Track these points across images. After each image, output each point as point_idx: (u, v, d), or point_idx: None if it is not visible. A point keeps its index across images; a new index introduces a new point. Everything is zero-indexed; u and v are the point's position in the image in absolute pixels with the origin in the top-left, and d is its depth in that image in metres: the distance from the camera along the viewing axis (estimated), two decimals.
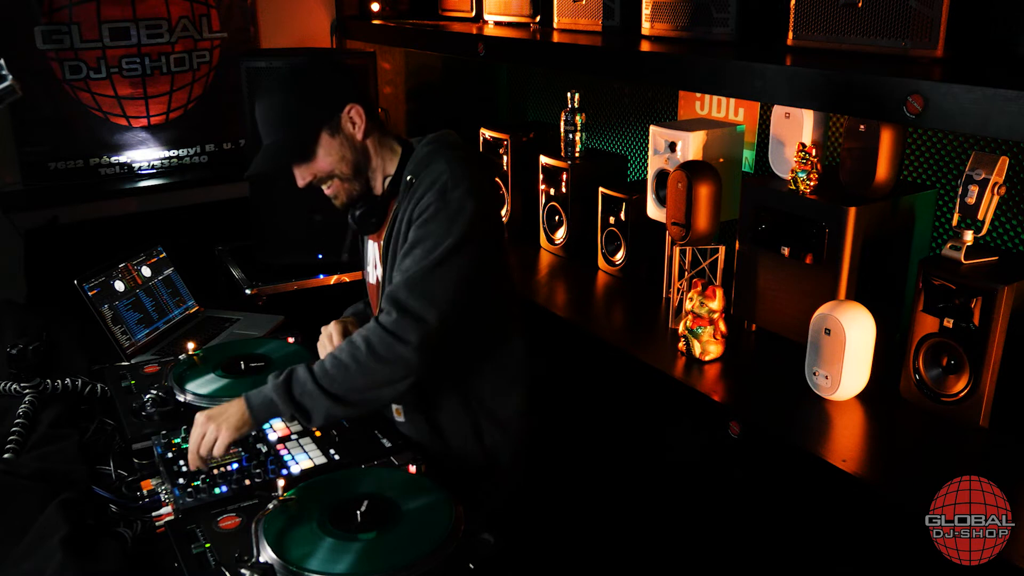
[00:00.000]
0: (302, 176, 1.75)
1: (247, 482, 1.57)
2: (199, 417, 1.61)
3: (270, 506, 1.42)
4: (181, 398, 1.88)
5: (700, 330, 2.09)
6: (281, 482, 1.44)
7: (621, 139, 3.12)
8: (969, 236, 1.72)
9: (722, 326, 2.10)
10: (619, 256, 2.71)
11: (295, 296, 2.97)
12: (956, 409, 1.72)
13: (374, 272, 1.92)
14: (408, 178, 1.73)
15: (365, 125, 1.74)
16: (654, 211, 2.53)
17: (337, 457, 1.66)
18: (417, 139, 1.85)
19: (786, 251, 2.03)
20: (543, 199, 2.96)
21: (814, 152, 1.98)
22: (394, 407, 1.84)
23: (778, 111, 2.25)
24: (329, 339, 1.86)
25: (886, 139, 1.87)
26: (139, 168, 3.44)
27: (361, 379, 1.57)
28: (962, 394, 1.71)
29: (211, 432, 1.57)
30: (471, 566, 1.34)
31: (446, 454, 1.83)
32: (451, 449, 1.84)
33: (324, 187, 1.79)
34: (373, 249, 1.91)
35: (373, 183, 1.81)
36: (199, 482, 1.56)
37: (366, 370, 1.56)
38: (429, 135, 1.82)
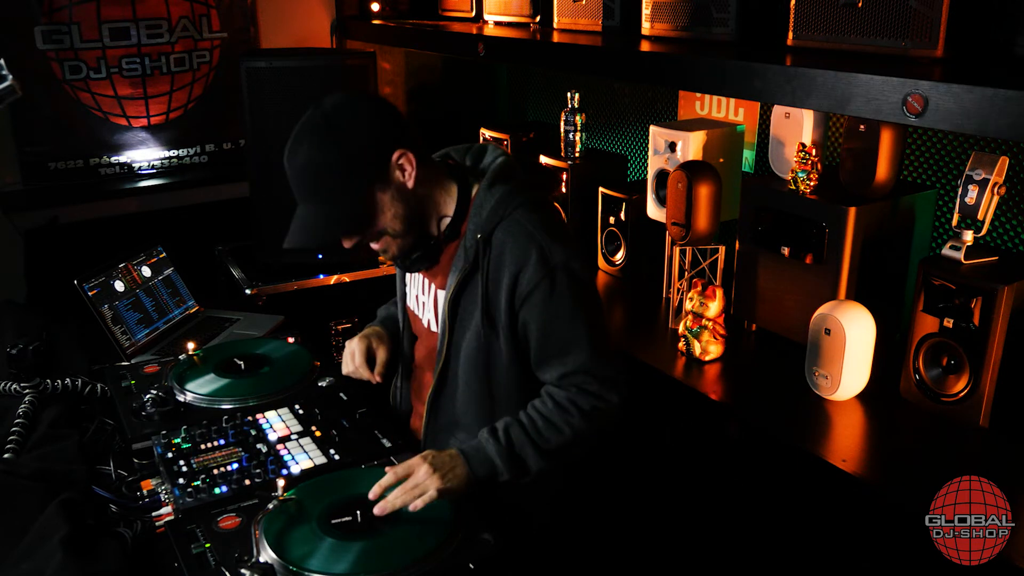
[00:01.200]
0: (349, 240, 1.61)
1: (247, 482, 1.57)
2: (420, 464, 1.49)
3: (270, 506, 1.42)
4: (181, 398, 1.88)
5: (699, 330, 2.10)
6: (281, 482, 1.44)
7: (621, 139, 3.12)
8: (969, 236, 1.72)
9: (716, 309, 2.10)
10: (619, 256, 2.71)
11: (295, 296, 2.97)
12: (956, 409, 1.72)
13: (423, 311, 1.79)
14: (479, 236, 1.57)
15: (416, 171, 1.56)
16: (654, 211, 2.53)
17: (337, 457, 1.66)
18: (457, 151, 1.73)
19: (786, 251, 2.03)
20: None
21: (814, 152, 1.98)
22: None
23: (778, 111, 2.25)
24: (351, 357, 1.81)
25: (886, 139, 1.87)
26: (139, 168, 3.44)
27: (571, 437, 1.60)
28: (962, 394, 1.71)
29: (433, 483, 1.47)
30: (471, 566, 1.34)
31: (497, 495, 1.71)
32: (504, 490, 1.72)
33: (372, 244, 1.63)
34: (419, 283, 1.78)
35: (427, 227, 1.65)
36: (199, 482, 1.56)
37: (577, 431, 1.59)
38: (474, 154, 1.71)
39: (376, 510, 1.44)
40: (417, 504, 1.44)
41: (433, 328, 1.76)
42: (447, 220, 1.65)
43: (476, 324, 1.62)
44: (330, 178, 1.53)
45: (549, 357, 1.61)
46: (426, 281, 1.76)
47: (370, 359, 1.82)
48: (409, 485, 1.47)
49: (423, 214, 1.63)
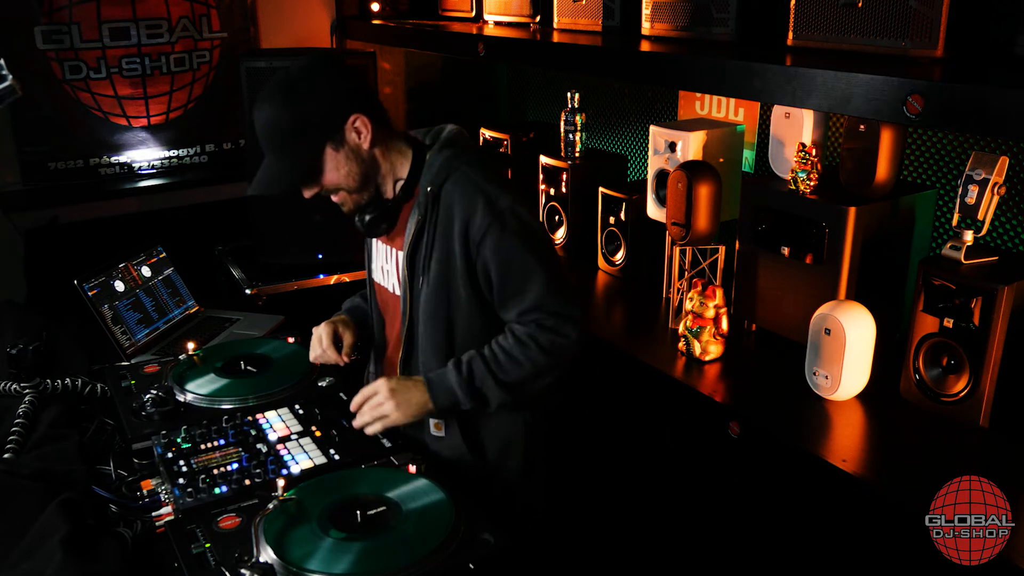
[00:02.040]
0: (308, 190, 1.71)
1: (247, 482, 1.57)
2: (382, 386, 1.68)
3: (270, 506, 1.42)
4: (181, 398, 1.88)
5: (699, 330, 2.10)
6: (281, 482, 1.44)
7: (621, 139, 3.12)
8: (969, 236, 1.72)
9: (724, 325, 2.10)
10: (619, 256, 2.71)
11: (295, 296, 2.97)
12: (956, 409, 1.72)
13: (388, 278, 1.88)
14: (428, 189, 1.68)
15: (372, 134, 1.68)
16: (654, 211, 2.53)
17: (337, 457, 1.66)
18: (420, 132, 1.82)
19: (786, 251, 2.03)
20: (543, 199, 2.96)
21: (814, 152, 1.98)
22: (432, 422, 1.80)
23: (778, 111, 2.25)
24: (319, 341, 1.87)
25: (886, 139, 1.87)
26: (139, 168, 3.44)
27: (531, 370, 1.68)
28: (962, 394, 1.71)
29: (389, 408, 1.67)
30: (471, 566, 1.34)
31: (480, 469, 1.80)
32: (486, 463, 1.81)
33: (332, 196, 1.75)
34: (384, 252, 1.88)
35: (383, 188, 1.76)
36: (199, 482, 1.56)
37: (536, 364, 1.68)
38: (434, 133, 1.80)
39: (355, 423, 1.70)
40: (375, 428, 1.68)
41: (396, 291, 1.84)
42: (401, 183, 1.75)
43: (431, 277, 1.71)
44: (286, 135, 1.65)
45: (507, 296, 1.70)
46: (387, 248, 1.85)
47: (337, 344, 1.88)
48: (373, 404, 1.68)
49: (378, 173, 1.74)
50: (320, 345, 1.87)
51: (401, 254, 1.76)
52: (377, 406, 1.67)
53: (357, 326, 1.95)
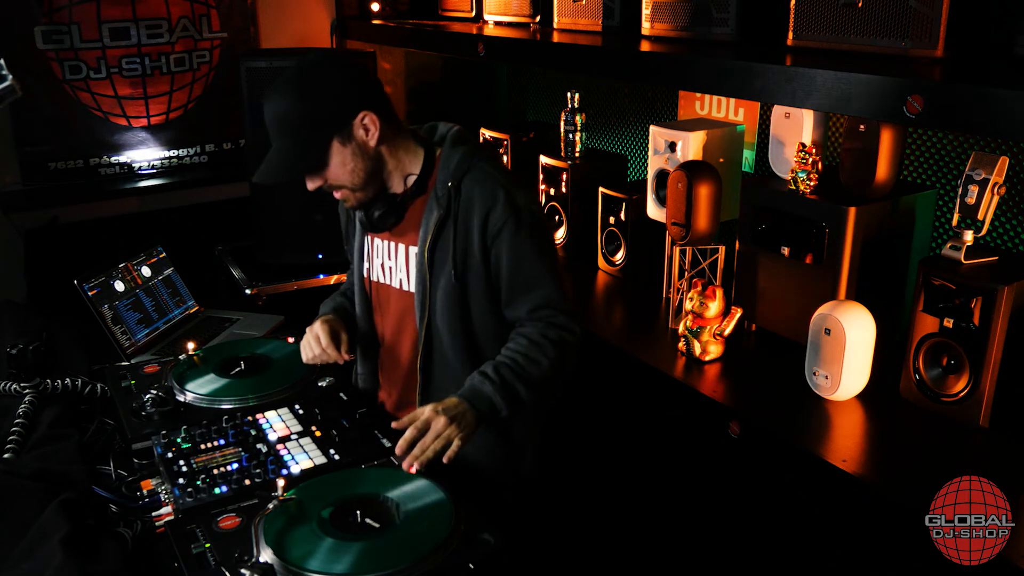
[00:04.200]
0: (312, 182, 1.73)
1: (247, 482, 1.57)
2: (434, 415, 1.58)
3: (270, 506, 1.42)
4: (181, 398, 1.88)
5: (699, 330, 2.10)
6: (281, 482, 1.44)
7: (621, 139, 3.12)
8: (969, 236, 1.72)
9: (730, 328, 2.10)
10: (619, 256, 2.71)
11: (295, 296, 2.97)
12: (956, 409, 1.72)
13: (392, 275, 1.87)
14: (449, 184, 1.71)
15: (379, 132, 1.70)
16: (654, 211, 2.53)
17: (337, 457, 1.66)
18: (424, 127, 1.85)
19: (786, 251, 2.03)
20: (543, 199, 2.96)
21: (814, 152, 1.98)
22: None
23: (778, 111, 2.25)
24: (317, 340, 1.85)
25: (886, 139, 1.87)
26: (139, 168, 3.44)
27: (549, 368, 1.72)
28: (962, 394, 1.71)
29: (454, 431, 1.58)
30: (471, 566, 1.34)
31: (503, 463, 1.82)
32: (508, 457, 1.84)
33: (335, 192, 1.76)
34: (385, 249, 1.87)
35: (389, 184, 1.78)
36: (199, 482, 1.56)
37: (552, 361, 1.72)
38: (434, 130, 1.83)
39: (406, 465, 1.56)
40: (449, 455, 1.57)
41: (406, 287, 1.84)
42: (413, 178, 1.77)
43: (449, 271, 1.73)
44: (294, 125, 1.67)
45: (518, 293, 1.74)
46: (392, 244, 1.85)
47: (335, 342, 1.87)
48: (431, 437, 1.57)
49: (385, 171, 1.76)
50: (319, 344, 1.84)
51: (413, 249, 1.78)
52: (439, 435, 1.57)
53: (348, 323, 1.95)
